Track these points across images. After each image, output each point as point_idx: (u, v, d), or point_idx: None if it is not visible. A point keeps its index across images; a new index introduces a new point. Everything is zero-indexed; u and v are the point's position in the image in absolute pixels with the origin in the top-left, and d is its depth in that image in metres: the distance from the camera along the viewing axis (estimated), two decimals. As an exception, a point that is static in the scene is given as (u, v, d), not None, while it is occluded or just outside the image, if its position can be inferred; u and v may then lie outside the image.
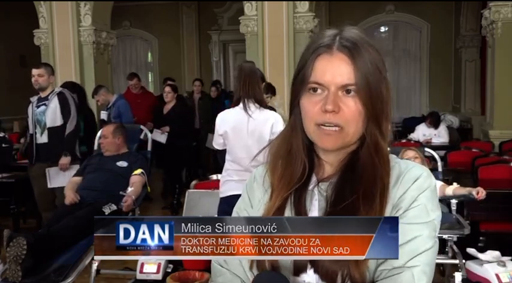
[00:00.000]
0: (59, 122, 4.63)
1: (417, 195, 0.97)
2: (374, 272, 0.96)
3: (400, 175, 1.00)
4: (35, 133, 4.67)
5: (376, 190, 0.97)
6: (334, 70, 0.97)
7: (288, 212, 1.04)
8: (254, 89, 3.03)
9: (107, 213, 3.57)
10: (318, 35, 1.04)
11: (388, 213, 0.97)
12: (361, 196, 0.97)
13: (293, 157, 1.06)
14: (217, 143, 3.23)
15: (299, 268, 1.00)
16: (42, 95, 4.67)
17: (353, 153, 1.03)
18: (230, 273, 1.09)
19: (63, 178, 4.55)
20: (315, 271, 0.98)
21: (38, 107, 4.67)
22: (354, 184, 0.99)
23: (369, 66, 0.97)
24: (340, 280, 0.95)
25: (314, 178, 1.06)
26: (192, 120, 6.88)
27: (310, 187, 1.05)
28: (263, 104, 3.09)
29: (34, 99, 4.73)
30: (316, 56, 0.99)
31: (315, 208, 1.03)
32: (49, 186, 4.60)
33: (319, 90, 0.98)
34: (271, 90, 5.01)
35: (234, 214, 1.14)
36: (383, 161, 1.00)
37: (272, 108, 3.54)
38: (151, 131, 5.36)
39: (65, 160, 4.56)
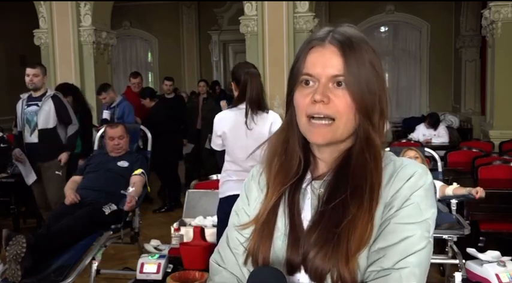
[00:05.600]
0: (51, 124, 4.64)
1: (410, 193, 0.96)
2: (365, 272, 0.94)
3: (393, 174, 0.98)
4: (24, 131, 4.68)
5: (365, 185, 0.96)
6: (325, 62, 0.98)
7: (282, 210, 1.03)
8: (259, 96, 3.05)
9: (107, 213, 3.57)
10: (314, 32, 1.04)
11: (380, 212, 0.96)
12: (350, 192, 0.96)
13: (289, 153, 1.06)
14: (215, 144, 3.23)
15: (293, 268, 0.99)
16: (34, 94, 4.64)
17: (347, 151, 1.02)
18: (227, 272, 1.10)
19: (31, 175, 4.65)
20: (306, 271, 0.97)
21: (28, 105, 4.65)
22: (346, 182, 0.98)
23: (361, 59, 0.97)
24: (330, 280, 0.94)
25: (308, 176, 1.05)
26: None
27: (304, 185, 1.04)
28: (266, 109, 3.12)
29: (24, 96, 4.70)
30: (309, 49, 1.00)
31: (307, 207, 1.03)
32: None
33: (311, 83, 0.99)
34: None
35: (232, 214, 1.13)
36: (374, 156, 0.98)
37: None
38: None
39: (65, 155, 4.64)
